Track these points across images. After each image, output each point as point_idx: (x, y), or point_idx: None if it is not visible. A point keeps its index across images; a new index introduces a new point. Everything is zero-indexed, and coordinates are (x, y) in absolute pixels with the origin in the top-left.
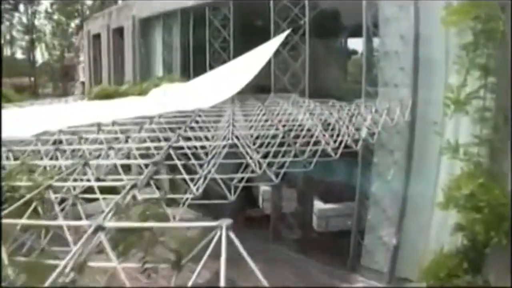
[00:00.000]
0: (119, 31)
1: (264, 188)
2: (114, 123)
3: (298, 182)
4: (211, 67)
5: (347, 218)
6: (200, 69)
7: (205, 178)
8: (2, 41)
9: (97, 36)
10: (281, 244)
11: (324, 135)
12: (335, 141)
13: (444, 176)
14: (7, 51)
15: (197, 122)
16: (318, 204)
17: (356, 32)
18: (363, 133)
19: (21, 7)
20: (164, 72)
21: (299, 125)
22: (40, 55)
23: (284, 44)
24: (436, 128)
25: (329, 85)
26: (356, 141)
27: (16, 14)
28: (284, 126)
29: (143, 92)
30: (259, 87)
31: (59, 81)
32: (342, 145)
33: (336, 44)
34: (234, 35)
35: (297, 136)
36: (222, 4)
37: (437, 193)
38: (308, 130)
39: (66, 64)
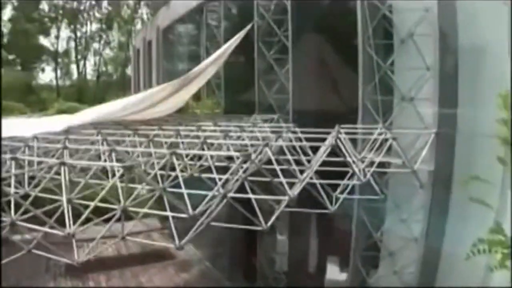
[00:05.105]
0: (151, 44)
1: (281, 237)
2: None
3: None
4: None
5: None
6: None
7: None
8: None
9: (139, 50)
10: None
11: None
12: None
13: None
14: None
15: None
16: (331, 271)
17: None
18: None
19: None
20: None
21: None
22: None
23: (270, 45)
24: (480, 191)
25: (335, 103)
26: None
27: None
28: None
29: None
30: (244, 105)
31: None
32: None
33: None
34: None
35: None
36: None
37: None
38: None
39: None
